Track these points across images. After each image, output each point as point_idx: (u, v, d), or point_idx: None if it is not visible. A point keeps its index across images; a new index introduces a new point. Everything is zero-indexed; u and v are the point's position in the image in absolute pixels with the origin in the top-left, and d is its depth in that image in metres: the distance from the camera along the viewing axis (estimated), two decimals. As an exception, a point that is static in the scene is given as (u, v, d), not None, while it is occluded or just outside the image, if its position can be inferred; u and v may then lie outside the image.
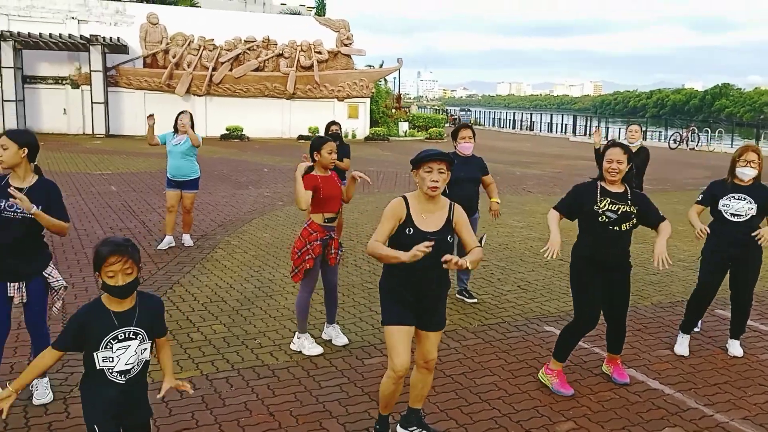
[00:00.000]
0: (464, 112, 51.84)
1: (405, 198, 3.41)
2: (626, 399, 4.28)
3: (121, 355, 2.63)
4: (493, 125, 47.71)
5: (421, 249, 3.02)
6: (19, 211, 3.77)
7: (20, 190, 3.75)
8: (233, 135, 25.67)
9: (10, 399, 2.59)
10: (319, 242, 4.81)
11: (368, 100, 28.98)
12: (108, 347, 2.61)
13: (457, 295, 6.31)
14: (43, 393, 4.01)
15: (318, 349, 4.91)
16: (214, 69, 26.22)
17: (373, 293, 6.40)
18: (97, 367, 2.62)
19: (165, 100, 25.80)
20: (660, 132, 37.16)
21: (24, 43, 23.10)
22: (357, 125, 28.66)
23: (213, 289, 6.47)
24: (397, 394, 3.52)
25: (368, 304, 6.13)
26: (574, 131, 38.26)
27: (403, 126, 31.21)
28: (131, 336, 2.65)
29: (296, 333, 5.03)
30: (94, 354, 2.60)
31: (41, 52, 24.21)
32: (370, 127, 29.16)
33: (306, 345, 4.94)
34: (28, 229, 3.84)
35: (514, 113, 49.88)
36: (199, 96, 26.26)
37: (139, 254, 2.67)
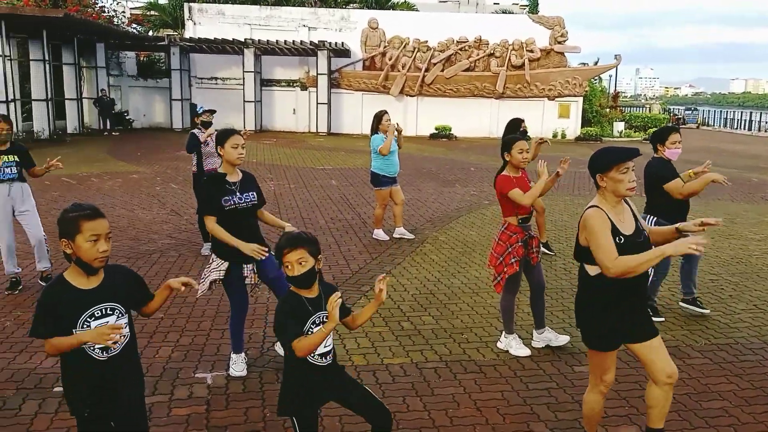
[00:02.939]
0: (690, 112, 47.28)
1: (597, 207, 3.14)
2: None
3: None
4: (724, 126, 42.91)
5: None
6: (248, 200, 4.30)
7: (234, 183, 4.29)
8: (441, 134, 26.23)
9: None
10: (520, 243, 4.73)
11: (581, 99, 27.79)
12: (310, 331, 2.79)
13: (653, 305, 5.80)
14: (240, 367, 4.42)
15: (525, 351, 4.84)
16: (426, 70, 27.02)
17: (584, 299, 6.13)
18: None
19: (380, 101, 27.17)
20: None
21: (263, 49, 25.85)
22: (567, 125, 27.64)
23: (422, 281, 6.69)
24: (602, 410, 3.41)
25: (578, 309, 5.88)
26: (828, 133, 32.96)
27: (619, 126, 29.41)
28: (326, 320, 2.80)
29: (503, 333, 5.01)
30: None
31: (276, 58, 26.91)
32: (582, 126, 27.95)
33: (513, 345, 4.90)
34: (254, 213, 4.39)
35: (750, 113, 44.38)
36: (411, 96, 27.24)
37: (316, 246, 2.82)
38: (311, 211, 10.38)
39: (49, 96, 20.85)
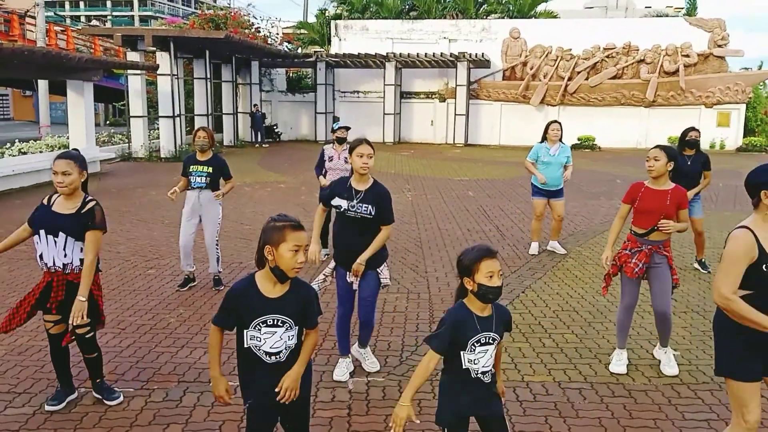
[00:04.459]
0: None
1: (749, 229, 2.85)
2: None
3: (481, 358, 2.76)
4: None
5: None
6: (359, 210, 4.30)
7: (359, 191, 4.32)
8: (584, 145, 25.21)
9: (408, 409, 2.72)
10: (628, 252, 4.58)
11: (743, 107, 25.50)
12: (471, 350, 2.74)
13: None
14: (341, 371, 4.54)
15: (620, 369, 4.61)
16: (569, 78, 26.16)
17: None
18: (463, 367, 2.75)
19: (519, 111, 26.74)
20: None
21: (403, 62, 26.38)
22: (727, 134, 25.47)
23: (564, 297, 6.44)
24: None
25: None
26: None
27: (789, 135, 26.61)
28: (490, 341, 2.77)
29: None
30: (461, 353, 2.74)
31: (416, 70, 27.31)
32: (744, 136, 25.62)
33: (614, 359, 4.72)
34: (367, 226, 4.34)
35: None
36: (553, 106, 26.45)
37: None
38: (448, 222, 10.37)
39: (209, 111, 22.70)
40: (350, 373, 4.54)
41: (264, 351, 2.73)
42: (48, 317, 3.99)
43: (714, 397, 4.23)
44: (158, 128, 21.11)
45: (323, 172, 7.81)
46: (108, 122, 40.40)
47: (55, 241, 3.84)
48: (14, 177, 13.81)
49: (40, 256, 3.90)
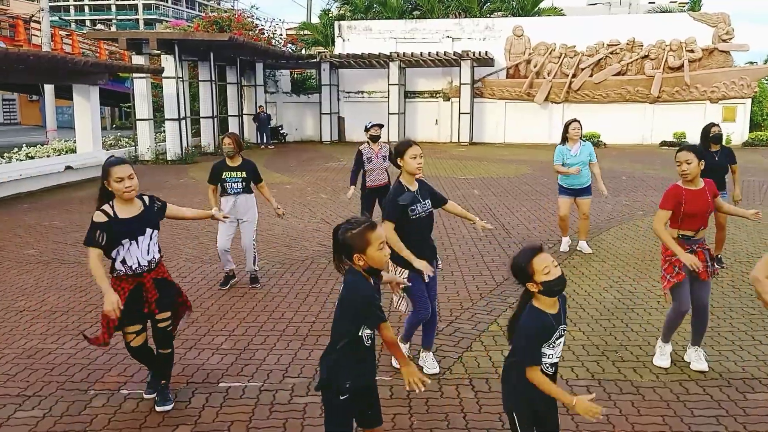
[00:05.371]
0: None
1: None
2: None
3: (557, 349, 2.83)
4: None
5: None
6: (425, 208, 4.44)
7: (410, 190, 4.44)
8: (590, 142, 25.10)
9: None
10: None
11: (749, 101, 25.38)
12: (552, 346, 2.80)
13: None
14: (432, 365, 4.65)
15: (664, 362, 4.63)
16: (573, 75, 26.09)
17: (755, 319, 5.59)
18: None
19: (524, 109, 26.68)
20: None
21: (407, 62, 26.37)
22: (733, 129, 25.29)
23: (570, 295, 6.42)
24: None
25: (750, 331, 5.35)
26: None
27: (795, 129, 26.47)
28: (563, 332, 2.83)
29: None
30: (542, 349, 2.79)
31: (420, 70, 27.30)
32: (750, 131, 25.50)
33: (657, 353, 4.73)
34: (432, 221, 4.53)
35: None
36: (557, 103, 26.39)
37: None
38: (453, 221, 10.37)
39: (214, 113, 22.76)
40: None
41: (369, 337, 2.95)
42: (130, 328, 3.98)
43: (723, 393, 4.22)
44: (164, 131, 21.19)
45: (361, 173, 7.85)
46: (114, 125, 40.58)
47: (138, 242, 3.89)
48: (22, 181, 13.90)
49: (122, 261, 3.88)
